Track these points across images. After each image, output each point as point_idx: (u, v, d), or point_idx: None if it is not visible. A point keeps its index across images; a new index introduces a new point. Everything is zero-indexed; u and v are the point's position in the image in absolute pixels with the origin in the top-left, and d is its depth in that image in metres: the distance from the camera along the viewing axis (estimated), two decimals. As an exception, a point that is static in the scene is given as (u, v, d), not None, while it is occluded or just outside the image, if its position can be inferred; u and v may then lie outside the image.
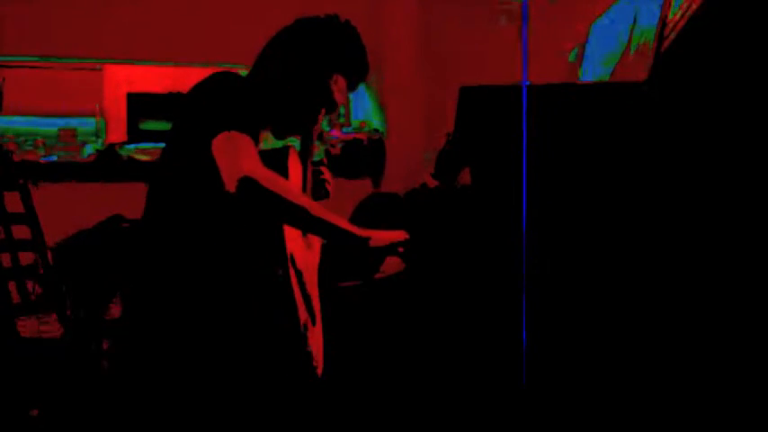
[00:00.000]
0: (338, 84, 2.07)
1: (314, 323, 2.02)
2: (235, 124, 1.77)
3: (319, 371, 2.03)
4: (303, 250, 2.05)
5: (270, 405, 1.88)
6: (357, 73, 2.11)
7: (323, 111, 2.08)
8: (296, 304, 1.83)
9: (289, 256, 1.85)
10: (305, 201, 1.83)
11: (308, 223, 1.84)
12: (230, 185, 1.69)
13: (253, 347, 1.83)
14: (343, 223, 1.89)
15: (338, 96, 2.08)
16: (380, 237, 1.96)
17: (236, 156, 1.72)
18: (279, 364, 1.86)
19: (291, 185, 1.85)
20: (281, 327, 1.82)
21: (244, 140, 1.76)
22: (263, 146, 2.00)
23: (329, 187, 2.22)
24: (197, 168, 1.79)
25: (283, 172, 1.89)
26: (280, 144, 2.08)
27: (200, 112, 1.86)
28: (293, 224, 1.86)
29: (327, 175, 2.22)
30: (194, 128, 1.84)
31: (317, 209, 1.83)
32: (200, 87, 1.92)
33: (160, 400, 1.88)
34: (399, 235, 2.01)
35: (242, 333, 1.82)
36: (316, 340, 2.01)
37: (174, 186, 1.89)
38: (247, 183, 1.68)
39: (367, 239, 1.93)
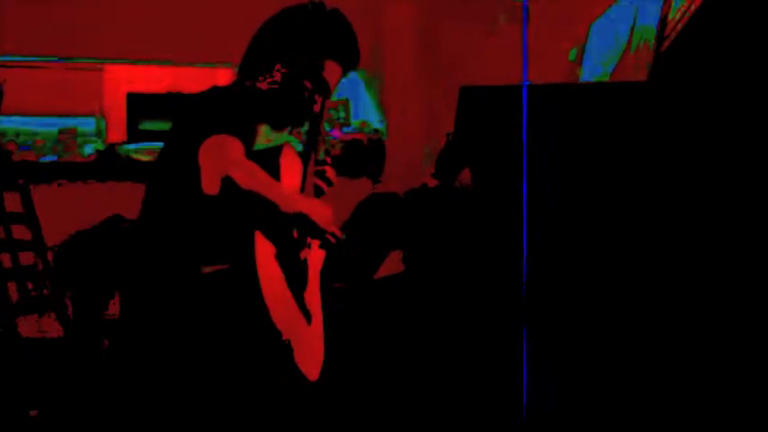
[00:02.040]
0: (331, 69, 2.08)
1: (309, 321, 2.02)
2: (223, 128, 1.80)
3: (317, 369, 2.03)
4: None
5: (254, 402, 1.90)
6: (349, 57, 2.11)
7: (318, 98, 2.08)
8: (263, 303, 1.83)
9: (264, 255, 1.86)
10: (279, 194, 1.84)
11: (280, 218, 1.86)
12: (210, 187, 1.75)
13: (228, 345, 1.85)
14: (315, 215, 1.89)
15: (331, 80, 2.08)
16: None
17: (220, 159, 1.77)
18: (256, 363, 1.88)
19: (269, 181, 1.85)
20: (252, 326, 1.84)
21: (231, 144, 1.79)
22: (262, 139, 2.02)
23: (325, 187, 2.21)
24: (182, 171, 1.83)
25: (275, 170, 1.92)
26: (279, 141, 2.08)
27: (191, 120, 1.91)
28: (266, 219, 1.89)
29: (331, 173, 2.22)
30: (184, 135, 1.89)
31: (291, 203, 1.85)
32: (193, 99, 1.97)
33: (155, 398, 1.89)
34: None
35: (216, 331, 1.85)
36: (310, 338, 2.02)
37: (162, 189, 1.93)
38: (227, 182, 1.74)
39: (337, 239, 1.96)
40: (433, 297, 3.23)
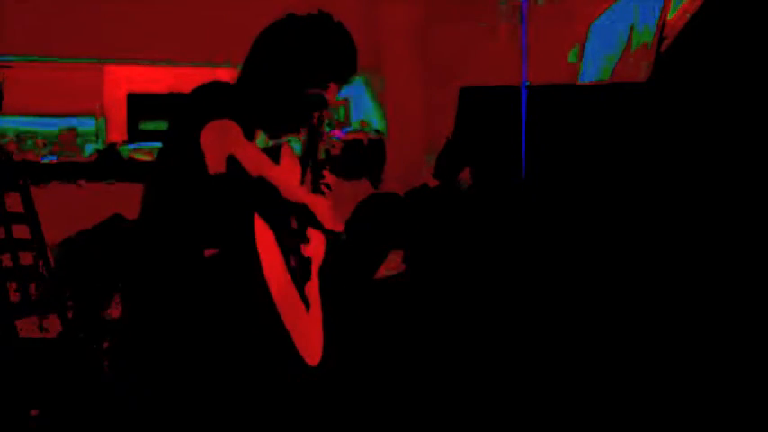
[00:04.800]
0: (331, 88, 2.09)
1: (308, 309, 2.04)
2: (224, 115, 1.83)
3: (317, 354, 2.04)
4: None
5: (257, 388, 1.91)
6: (350, 77, 2.12)
7: (316, 113, 2.10)
8: (266, 290, 1.84)
9: (265, 242, 1.87)
10: (279, 179, 1.87)
11: (280, 203, 1.90)
12: (216, 166, 1.78)
13: (229, 331, 1.86)
14: (319, 210, 1.93)
15: (330, 98, 2.11)
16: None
17: (224, 140, 1.80)
18: (257, 349, 1.89)
19: (271, 165, 1.88)
20: (253, 312, 1.85)
21: (233, 127, 1.82)
22: (260, 141, 2.03)
23: (325, 189, 2.22)
24: (184, 160, 1.84)
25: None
26: (278, 142, 2.09)
27: (190, 109, 1.92)
28: (267, 202, 1.90)
29: (330, 178, 2.23)
30: (185, 124, 1.91)
31: (293, 193, 1.90)
32: (192, 92, 1.97)
33: (157, 384, 1.90)
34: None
35: (218, 317, 1.86)
36: (309, 325, 2.03)
37: (163, 178, 1.94)
38: (231, 161, 1.77)
39: (337, 234, 2.01)
40: (433, 297, 3.23)
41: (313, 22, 2.07)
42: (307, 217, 1.98)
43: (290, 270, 1.98)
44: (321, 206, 1.99)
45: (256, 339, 1.88)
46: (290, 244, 2.01)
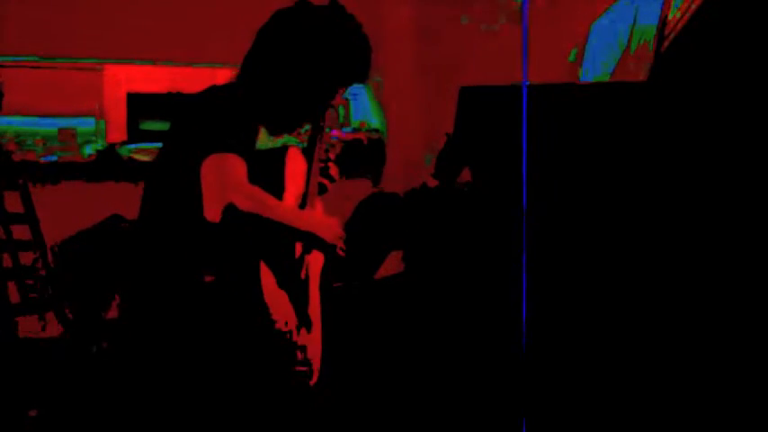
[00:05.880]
0: (340, 91, 2.06)
1: (309, 330, 2.02)
2: (224, 145, 1.77)
3: (315, 376, 2.03)
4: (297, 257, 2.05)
5: (254, 407, 1.90)
6: (361, 79, 2.08)
7: (321, 111, 2.08)
8: (266, 308, 1.83)
9: (265, 266, 1.85)
10: (284, 216, 1.86)
11: (286, 235, 1.91)
12: (211, 212, 1.73)
13: (229, 352, 1.85)
14: (328, 234, 1.95)
15: (338, 100, 2.08)
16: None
17: (224, 184, 1.74)
18: (256, 369, 1.88)
19: (272, 202, 1.84)
20: (254, 331, 1.83)
21: (232, 165, 1.76)
22: (261, 140, 2.00)
23: (328, 184, 2.20)
24: (184, 185, 1.80)
25: (280, 171, 1.92)
26: (279, 143, 2.08)
27: (194, 122, 1.87)
28: (269, 241, 1.88)
29: (334, 170, 2.21)
30: (185, 141, 1.86)
31: (300, 221, 1.91)
32: (197, 98, 1.93)
33: (153, 398, 1.90)
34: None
35: (217, 339, 1.84)
36: (310, 346, 2.02)
37: (163, 200, 1.91)
38: (229, 209, 1.71)
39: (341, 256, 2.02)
40: (432, 297, 3.23)
41: (326, 15, 1.98)
42: (314, 242, 1.97)
43: (290, 292, 1.96)
44: (329, 229, 1.97)
45: (255, 358, 1.87)
46: (292, 267, 2.00)
